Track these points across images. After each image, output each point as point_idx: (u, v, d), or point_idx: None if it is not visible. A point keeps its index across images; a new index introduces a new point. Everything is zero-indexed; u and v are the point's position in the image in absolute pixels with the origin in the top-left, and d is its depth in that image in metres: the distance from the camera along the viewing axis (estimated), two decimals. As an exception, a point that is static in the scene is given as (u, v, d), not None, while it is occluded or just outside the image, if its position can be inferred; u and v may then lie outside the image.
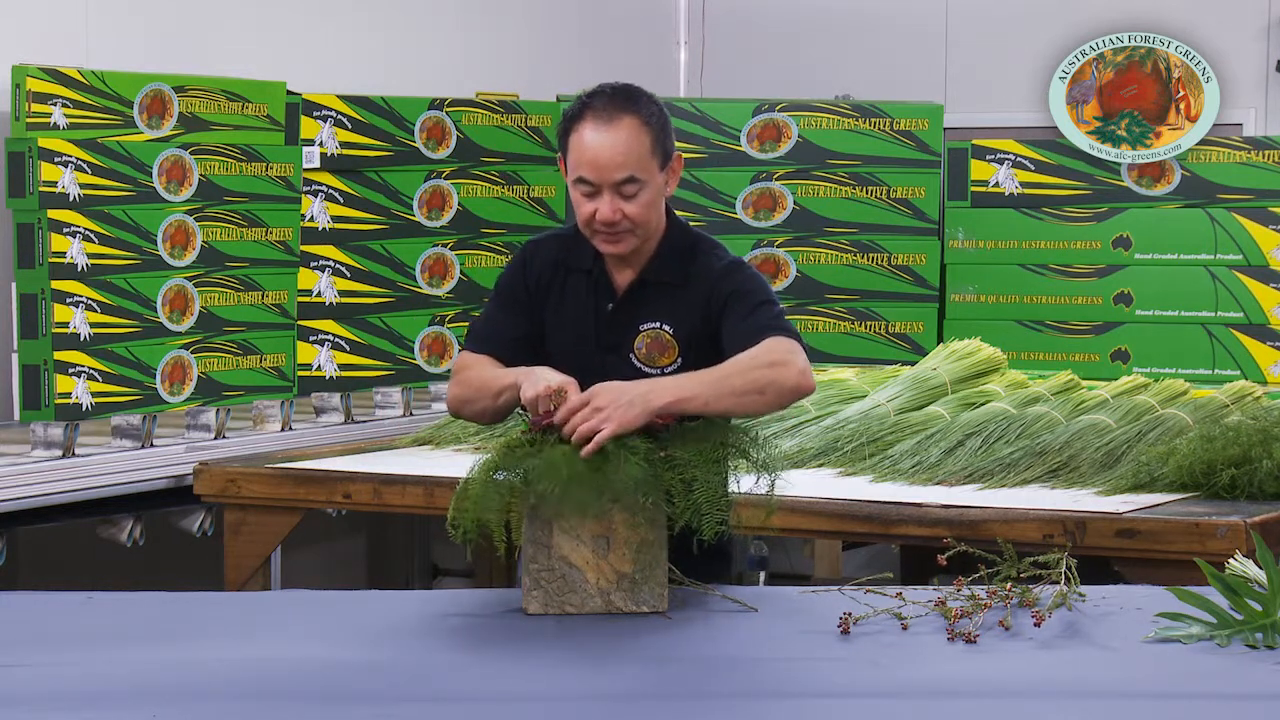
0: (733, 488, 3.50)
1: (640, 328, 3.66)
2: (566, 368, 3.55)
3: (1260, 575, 3.23)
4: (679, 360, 3.65)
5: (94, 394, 5.65)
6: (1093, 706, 2.90)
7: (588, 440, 3.32)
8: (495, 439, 5.13)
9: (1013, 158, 7.22)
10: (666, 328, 3.65)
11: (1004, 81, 8.05)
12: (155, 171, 5.87)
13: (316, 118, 6.39)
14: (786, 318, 3.61)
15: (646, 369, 3.64)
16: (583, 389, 3.42)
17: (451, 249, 6.84)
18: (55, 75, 5.62)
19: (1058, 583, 3.43)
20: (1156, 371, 6.70)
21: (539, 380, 3.47)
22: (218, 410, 5.96)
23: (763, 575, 7.10)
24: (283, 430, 6.17)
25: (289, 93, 6.31)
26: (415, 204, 6.73)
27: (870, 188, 7.24)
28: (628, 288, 3.68)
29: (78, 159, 5.65)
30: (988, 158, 7.23)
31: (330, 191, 6.44)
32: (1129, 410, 5.54)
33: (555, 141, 7.06)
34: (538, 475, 3.31)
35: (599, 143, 3.53)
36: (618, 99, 3.57)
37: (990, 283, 7.22)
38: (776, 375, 3.46)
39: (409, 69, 7.36)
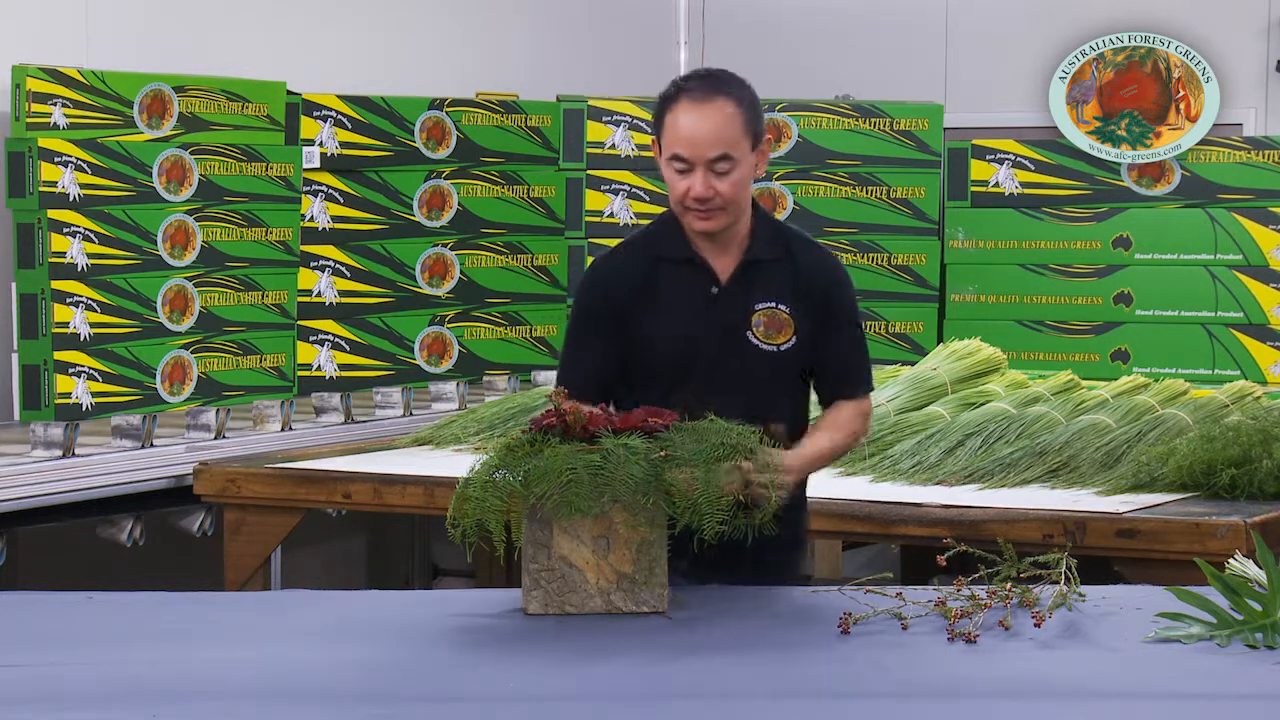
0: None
1: (756, 307, 3.79)
2: (674, 355, 3.74)
3: (1260, 575, 3.23)
4: (794, 339, 3.79)
5: (94, 394, 5.65)
6: (1093, 706, 2.90)
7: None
8: (495, 439, 5.12)
9: (1013, 158, 7.21)
10: (783, 308, 3.80)
11: (1004, 81, 8.04)
12: (155, 171, 5.87)
13: (316, 118, 6.39)
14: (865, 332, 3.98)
15: (764, 346, 3.78)
16: (695, 371, 3.70)
17: (451, 249, 6.84)
18: (55, 75, 5.62)
19: (1058, 583, 3.43)
20: (1156, 371, 6.70)
21: None
22: (218, 410, 5.96)
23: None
24: (283, 430, 6.17)
25: (289, 93, 6.31)
26: (415, 204, 6.72)
27: (870, 188, 7.23)
28: (737, 268, 3.80)
29: (78, 159, 5.65)
30: (988, 158, 7.23)
31: (330, 191, 6.44)
32: (1129, 410, 5.54)
33: (556, 140, 7.14)
34: (537, 476, 3.32)
35: (694, 122, 3.67)
36: (711, 81, 3.72)
37: (990, 283, 7.22)
38: (855, 443, 3.96)
39: (409, 69, 7.36)
